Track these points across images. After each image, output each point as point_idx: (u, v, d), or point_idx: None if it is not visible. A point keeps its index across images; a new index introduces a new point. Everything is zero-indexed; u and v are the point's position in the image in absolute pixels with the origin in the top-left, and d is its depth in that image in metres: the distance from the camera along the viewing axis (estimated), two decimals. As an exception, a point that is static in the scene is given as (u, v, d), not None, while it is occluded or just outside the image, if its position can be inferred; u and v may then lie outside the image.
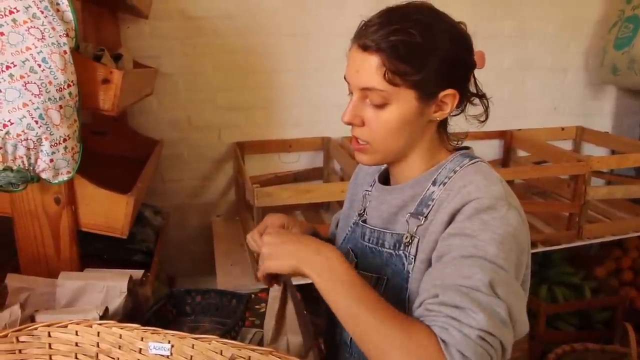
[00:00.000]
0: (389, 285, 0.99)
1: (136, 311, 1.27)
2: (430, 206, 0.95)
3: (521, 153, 2.82)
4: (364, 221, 1.08)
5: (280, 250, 0.90)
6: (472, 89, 1.00)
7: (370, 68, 0.90)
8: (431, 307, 0.80)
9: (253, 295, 1.77)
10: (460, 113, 1.00)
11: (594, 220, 2.48)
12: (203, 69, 2.39)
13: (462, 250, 0.83)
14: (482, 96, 1.01)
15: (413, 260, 0.95)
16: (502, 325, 0.77)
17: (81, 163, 1.31)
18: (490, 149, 2.84)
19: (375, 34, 0.89)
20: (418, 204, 0.97)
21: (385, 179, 1.10)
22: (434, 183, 0.97)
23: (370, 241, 1.04)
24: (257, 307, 1.69)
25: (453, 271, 0.82)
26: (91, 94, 1.32)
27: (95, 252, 1.73)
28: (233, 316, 1.26)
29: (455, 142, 1.04)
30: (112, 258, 1.79)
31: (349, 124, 0.96)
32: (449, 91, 0.93)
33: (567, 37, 2.82)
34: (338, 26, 2.41)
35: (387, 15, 0.92)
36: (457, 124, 1.03)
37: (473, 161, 0.98)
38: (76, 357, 1.01)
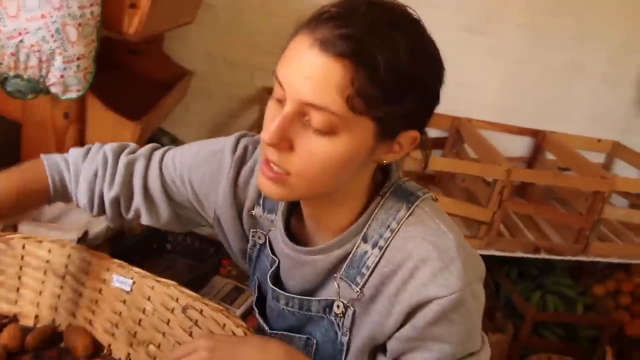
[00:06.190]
0: (320, 352, 0.84)
1: (118, 239, 1.31)
2: (366, 275, 0.76)
3: (550, 156, 2.74)
4: (275, 284, 0.87)
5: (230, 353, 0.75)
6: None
7: (330, 80, 0.64)
8: None
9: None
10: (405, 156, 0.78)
11: (605, 239, 2.41)
12: (247, 5, 2.34)
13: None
14: (424, 142, 0.77)
15: (348, 332, 0.80)
16: None
17: (94, 82, 1.32)
18: (519, 145, 2.74)
19: (353, 32, 0.63)
20: (348, 265, 0.78)
21: (288, 217, 0.86)
22: (364, 239, 0.77)
23: (290, 306, 0.85)
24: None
25: None
26: (116, 17, 1.32)
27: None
28: (207, 263, 1.28)
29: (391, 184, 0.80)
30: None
31: (271, 145, 0.69)
32: (412, 132, 0.72)
33: (628, 48, 2.67)
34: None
35: (371, 14, 0.65)
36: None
37: (411, 210, 0.77)
38: (45, 274, 1.04)
